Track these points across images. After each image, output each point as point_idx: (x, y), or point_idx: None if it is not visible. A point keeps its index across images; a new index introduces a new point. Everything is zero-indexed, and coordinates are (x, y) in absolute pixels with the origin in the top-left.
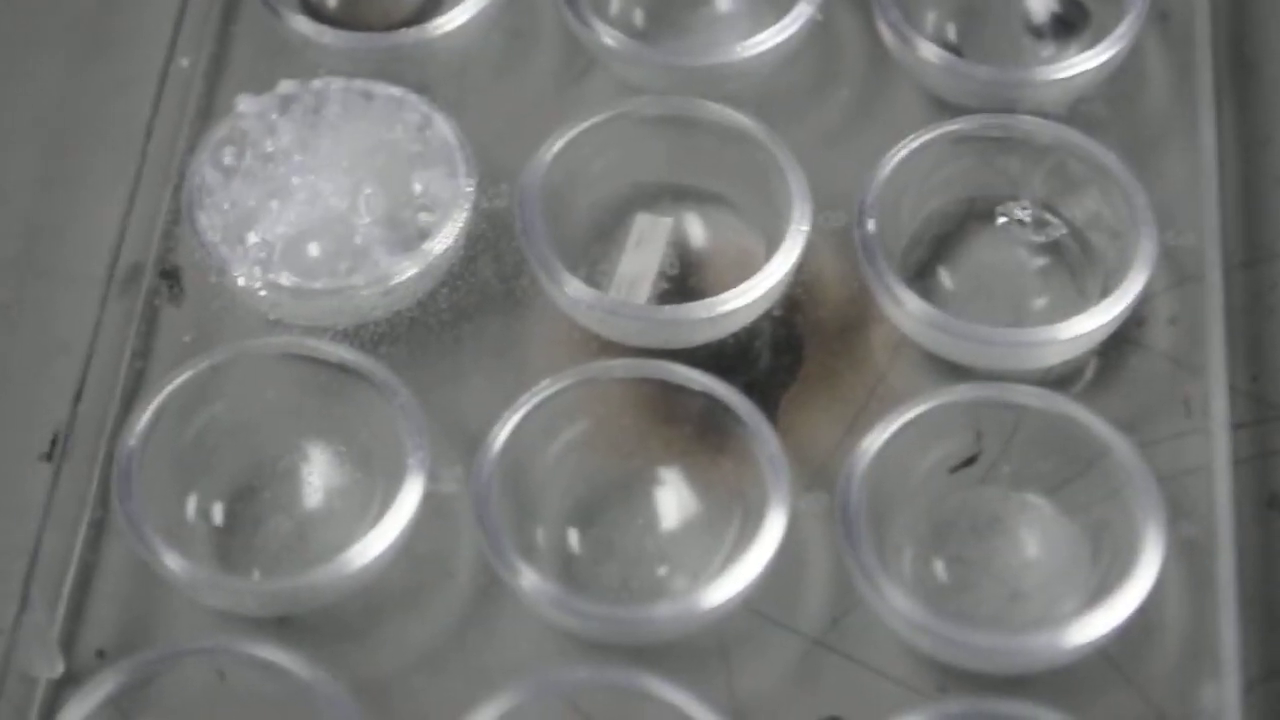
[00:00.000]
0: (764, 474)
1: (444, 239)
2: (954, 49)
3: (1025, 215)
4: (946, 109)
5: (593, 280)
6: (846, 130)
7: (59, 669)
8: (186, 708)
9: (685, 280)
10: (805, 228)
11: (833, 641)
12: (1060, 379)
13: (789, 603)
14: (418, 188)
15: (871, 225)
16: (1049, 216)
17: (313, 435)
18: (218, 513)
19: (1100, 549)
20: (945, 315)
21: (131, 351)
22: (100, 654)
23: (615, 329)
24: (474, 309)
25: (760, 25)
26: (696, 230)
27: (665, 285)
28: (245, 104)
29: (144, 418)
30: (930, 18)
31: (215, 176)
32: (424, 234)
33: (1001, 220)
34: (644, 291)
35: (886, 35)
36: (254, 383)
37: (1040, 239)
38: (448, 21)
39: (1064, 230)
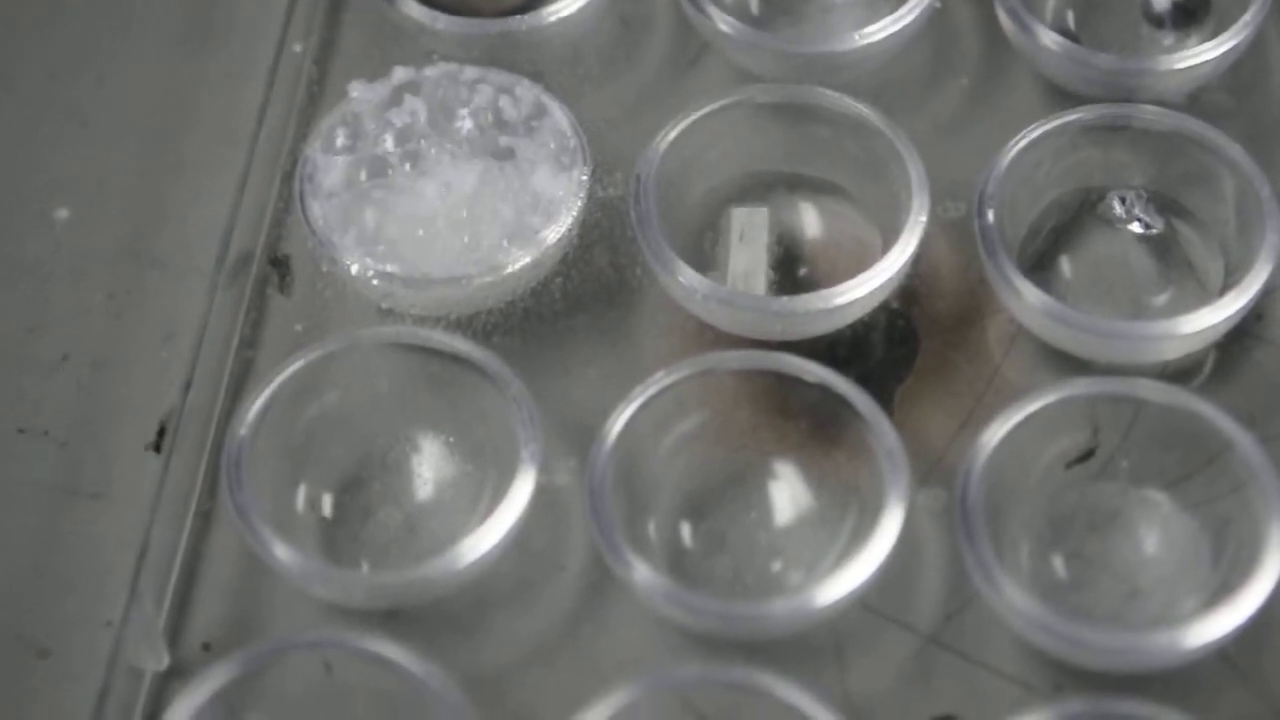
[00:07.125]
0: (881, 468)
1: (558, 228)
2: (1073, 37)
3: (1139, 206)
4: (1065, 98)
5: (707, 271)
6: (964, 119)
7: (165, 662)
8: (294, 701)
9: (801, 271)
10: (923, 218)
11: (947, 639)
12: (1179, 373)
13: (903, 599)
14: (531, 176)
15: (991, 216)
16: (1155, 212)
17: (424, 426)
18: (326, 504)
19: (1222, 546)
20: (1064, 307)
21: (240, 340)
22: (206, 647)
23: (730, 320)
24: (588, 299)
25: (878, 12)
26: (812, 220)
27: (776, 275)
28: (358, 90)
29: (254, 407)
30: (1050, 5)
31: (327, 163)
32: (538, 223)
33: (1117, 211)
34: (759, 284)
35: (1006, 23)
36: (365, 373)
37: (1154, 231)
38: (561, 8)
39: (1175, 222)
